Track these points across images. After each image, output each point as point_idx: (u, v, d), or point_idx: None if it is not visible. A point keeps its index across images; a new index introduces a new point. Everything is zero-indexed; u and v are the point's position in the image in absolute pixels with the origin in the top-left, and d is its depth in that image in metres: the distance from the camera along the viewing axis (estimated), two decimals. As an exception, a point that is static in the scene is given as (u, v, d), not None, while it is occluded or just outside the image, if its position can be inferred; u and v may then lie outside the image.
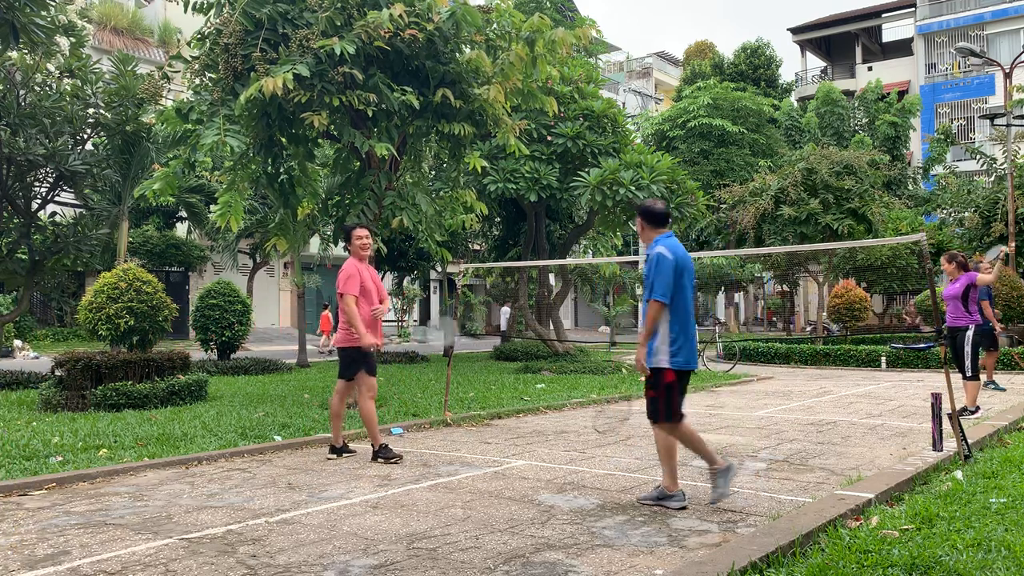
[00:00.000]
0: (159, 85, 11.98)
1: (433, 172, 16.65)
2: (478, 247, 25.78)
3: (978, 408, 9.03)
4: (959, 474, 5.64)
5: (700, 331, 24.92)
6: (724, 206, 24.67)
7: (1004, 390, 12.08)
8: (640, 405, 10.85)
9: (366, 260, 6.95)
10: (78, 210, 15.57)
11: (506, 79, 9.34)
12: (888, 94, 37.48)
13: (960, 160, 34.80)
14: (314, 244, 24.75)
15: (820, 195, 20.51)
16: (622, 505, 5.11)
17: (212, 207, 14.20)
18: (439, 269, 27.32)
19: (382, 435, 7.86)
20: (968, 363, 8.95)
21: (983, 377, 12.26)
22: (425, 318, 40.32)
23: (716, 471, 5.01)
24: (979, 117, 28.70)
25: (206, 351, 16.06)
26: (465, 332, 36.54)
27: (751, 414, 9.77)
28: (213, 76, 9.09)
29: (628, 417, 9.46)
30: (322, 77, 8.46)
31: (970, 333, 8.97)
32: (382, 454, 6.64)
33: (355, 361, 6.71)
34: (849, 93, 40.51)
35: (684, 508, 4.95)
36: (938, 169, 31.75)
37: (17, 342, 22.20)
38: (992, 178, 25.11)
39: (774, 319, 43.25)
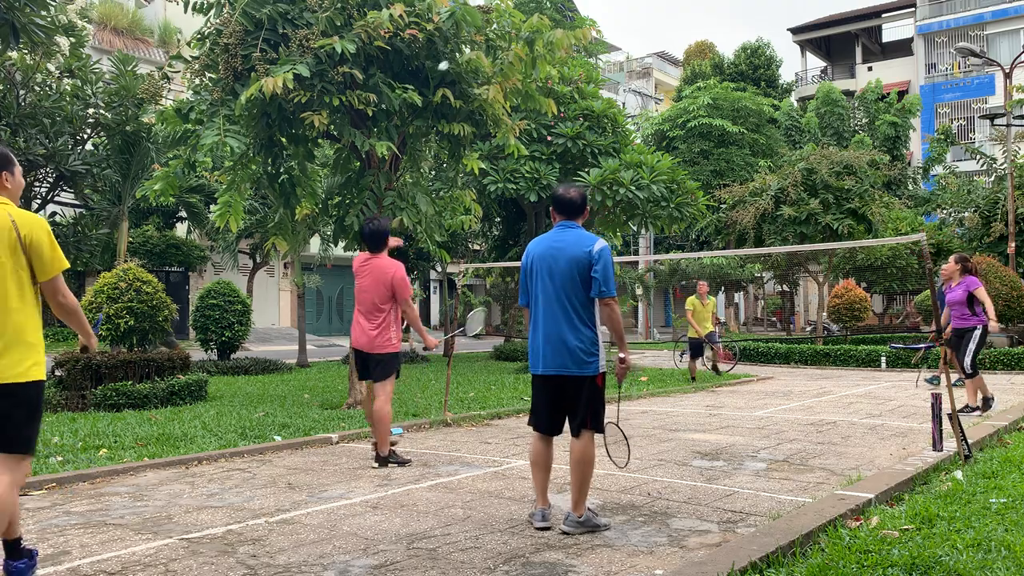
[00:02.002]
0: (159, 85, 12.00)
1: (433, 172, 16.65)
2: (478, 247, 25.77)
3: (977, 408, 9.07)
4: (959, 474, 5.64)
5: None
6: (724, 206, 24.66)
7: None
8: (639, 405, 10.84)
9: None
10: (78, 210, 15.57)
11: (506, 79, 9.35)
12: (888, 94, 37.48)
13: (960, 160, 34.79)
14: (314, 244, 24.74)
15: (820, 195, 20.51)
16: (622, 505, 5.12)
17: (212, 207, 14.19)
18: (439, 269, 27.33)
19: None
20: (968, 361, 9.00)
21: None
22: (425, 319, 40.29)
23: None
24: (979, 117, 28.68)
25: (206, 351, 16.05)
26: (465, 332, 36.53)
27: (751, 414, 9.77)
28: (213, 76, 9.08)
29: (628, 417, 9.45)
30: (322, 77, 8.47)
31: (978, 332, 9.05)
32: (393, 459, 6.55)
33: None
34: (849, 93, 40.50)
35: (545, 528, 4.51)
36: (938, 169, 31.73)
37: None
38: (992, 178, 25.11)
39: (782, 318, 43.09)
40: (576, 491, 4.47)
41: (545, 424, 4.58)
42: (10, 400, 3.46)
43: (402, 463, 6.51)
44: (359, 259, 6.69)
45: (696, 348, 14.05)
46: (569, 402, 4.51)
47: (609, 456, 4.78)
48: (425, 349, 7.39)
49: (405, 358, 18.69)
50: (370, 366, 6.58)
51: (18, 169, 3.76)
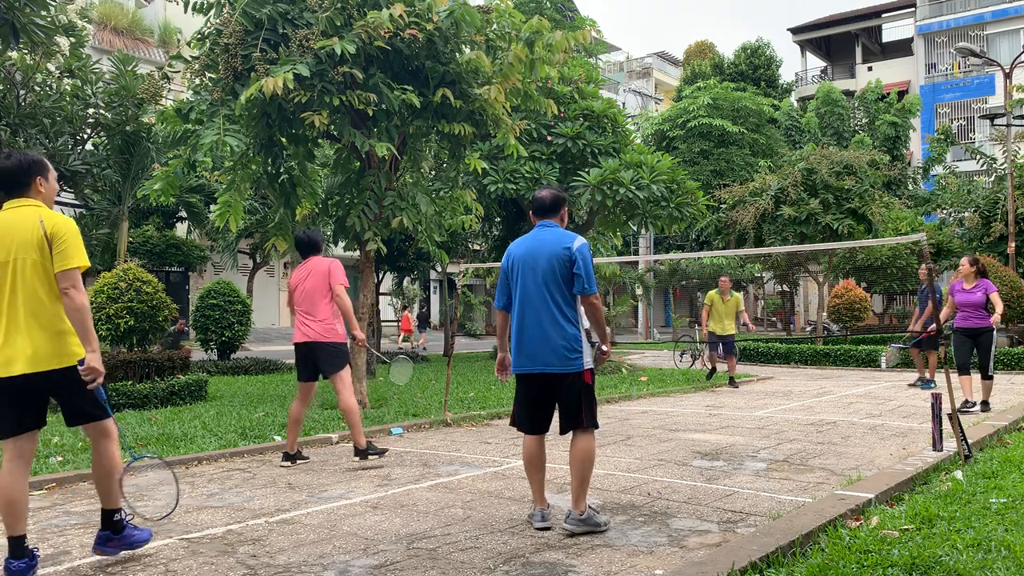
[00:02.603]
0: (159, 85, 11.99)
1: (433, 172, 16.66)
2: (478, 247, 25.77)
3: (975, 404, 9.36)
4: (959, 474, 5.64)
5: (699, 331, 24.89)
6: (724, 206, 24.65)
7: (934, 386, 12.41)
8: (639, 405, 10.84)
9: None
10: (78, 210, 15.56)
11: (506, 79, 9.34)
12: (888, 94, 37.46)
13: (960, 160, 34.78)
14: (314, 244, 24.73)
15: (820, 195, 20.51)
16: (622, 505, 5.12)
17: (212, 207, 14.20)
18: (439, 269, 27.33)
19: (382, 436, 7.86)
20: (991, 364, 9.44)
21: (932, 375, 12.80)
22: (425, 319, 40.22)
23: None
24: (979, 117, 28.67)
25: (206, 351, 16.06)
26: (465, 332, 36.52)
27: (751, 414, 9.77)
28: (213, 76, 9.08)
29: (628, 417, 9.45)
30: (322, 77, 8.46)
31: (994, 334, 9.33)
32: (370, 450, 6.52)
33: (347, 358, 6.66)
34: (849, 93, 40.49)
35: (545, 529, 4.53)
36: (938, 169, 31.72)
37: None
38: (992, 178, 25.09)
39: (782, 318, 43.04)
40: (577, 489, 4.46)
41: (528, 424, 4.57)
42: (62, 383, 3.77)
43: (379, 452, 6.52)
44: (298, 268, 6.74)
45: (712, 344, 13.29)
46: (557, 400, 4.51)
47: None
48: (357, 342, 6.95)
49: (406, 358, 18.68)
50: (318, 359, 6.50)
51: (52, 174, 4.01)
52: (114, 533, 3.98)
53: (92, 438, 3.98)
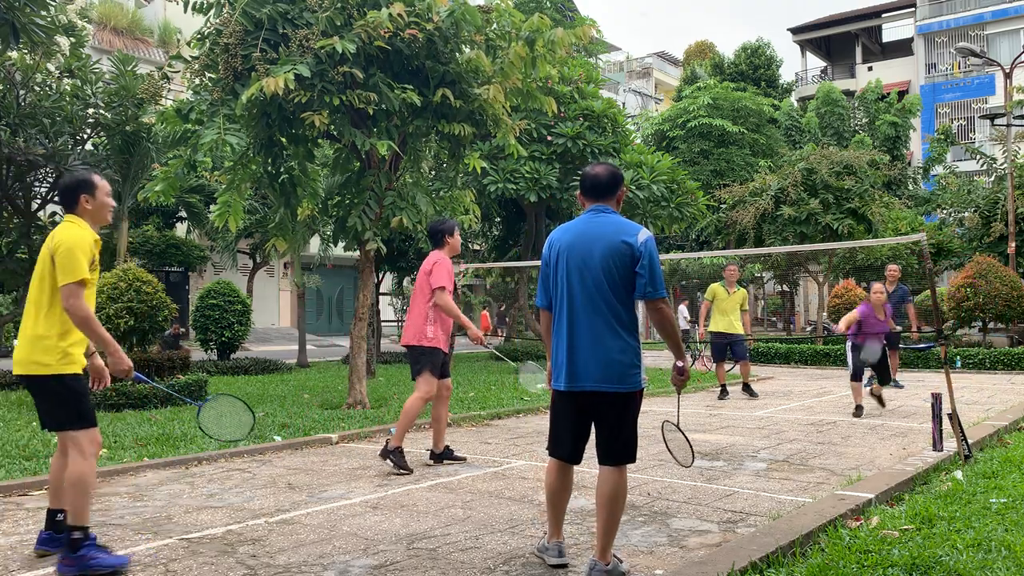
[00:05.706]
0: (159, 85, 11.99)
1: (433, 172, 16.66)
2: (478, 247, 25.78)
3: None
4: (959, 474, 5.64)
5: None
6: (724, 206, 24.65)
7: (903, 387, 12.75)
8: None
9: None
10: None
11: (506, 79, 9.34)
12: (888, 94, 37.45)
13: (960, 160, 34.76)
14: (314, 244, 24.75)
15: (820, 195, 20.52)
16: (622, 505, 5.11)
17: (212, 207, 14.20)
18: (439, 269, 27.31)
19: (382, 436, 7.86)
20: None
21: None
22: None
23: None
24: (979, 117, 28.67)
25: (206, 351, 16.06)
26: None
27: (751, 414, 9.77)
28: (213, 76, 9.07)
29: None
30: (322, 77, 8.46)
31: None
32: (395, 458, 6.23)
33: (429, 361, 6.44)
34: (849, 93, 40.47)
35: (560, 566, 3.90)
36: (938, 169, 31.71)
37: (16, 342, 22.20)
38: (992, 178, 25.09)
39: (782, 318, 42.95)
40: (604, 535, 3.68)
41: (570, 450, 3.86)
42: (34, 389, 4.00)
43: (403, 468, 6.18)
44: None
45: (718, 348, 11.55)
46: (601, 424, 3.79)
47: (672, 456, 4.32)
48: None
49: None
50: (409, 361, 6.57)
51: (101, 191, 4.10)
52: (71, 551, 3.79)
53: (60, 445, 4.13)
